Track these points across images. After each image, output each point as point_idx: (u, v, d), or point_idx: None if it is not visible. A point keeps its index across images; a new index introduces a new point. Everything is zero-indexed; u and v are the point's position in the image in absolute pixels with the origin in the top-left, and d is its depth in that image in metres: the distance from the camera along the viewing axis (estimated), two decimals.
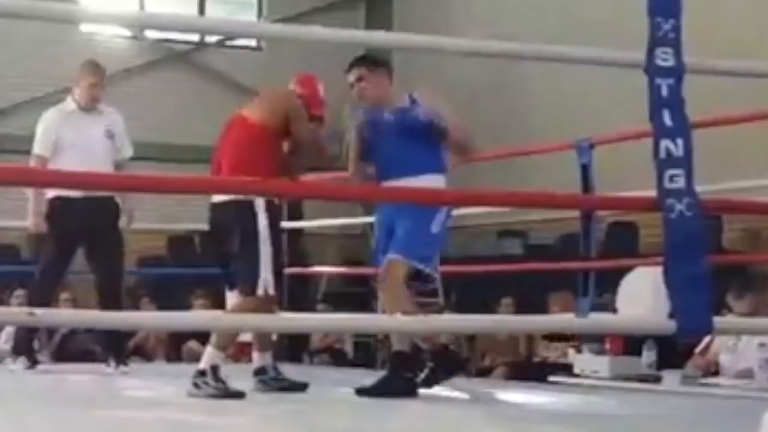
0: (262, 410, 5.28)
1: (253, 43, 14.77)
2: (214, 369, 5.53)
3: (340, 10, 15.04)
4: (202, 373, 5.53)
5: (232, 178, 5.59)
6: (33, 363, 7.41)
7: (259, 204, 5.58)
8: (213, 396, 5.45)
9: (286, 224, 9.41)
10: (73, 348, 10.06)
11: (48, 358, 9.93)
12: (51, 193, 7.12)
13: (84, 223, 7.07)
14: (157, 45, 14.44)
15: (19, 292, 10.34)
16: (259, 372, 5.98)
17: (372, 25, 14.92)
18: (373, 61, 6.04)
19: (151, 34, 14.10)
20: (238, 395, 5.53)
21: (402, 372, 5.74)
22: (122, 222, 7.33)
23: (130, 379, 6.97)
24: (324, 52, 13.73)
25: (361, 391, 5.69)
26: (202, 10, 14.78)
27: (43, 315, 3.67)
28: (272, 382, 5.94)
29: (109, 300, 7.13)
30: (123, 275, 7.52)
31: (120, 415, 4.98)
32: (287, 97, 6.04)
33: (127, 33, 14.22)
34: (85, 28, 13.85)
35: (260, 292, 5.56)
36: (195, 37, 14.52)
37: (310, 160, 6.03)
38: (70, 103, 7.34)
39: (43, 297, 7.15)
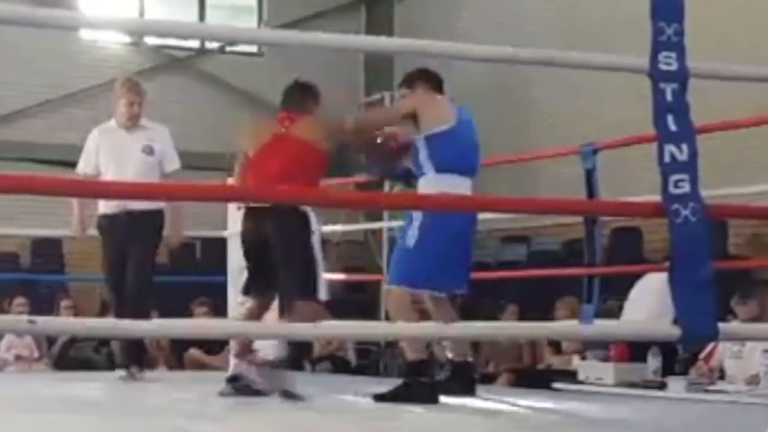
0: (264, 416, 5.25)
1: (254, 49, 14.74)
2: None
3: (341, 15, 15.02)
4: (235, 378, 5.85)
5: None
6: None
7: (310, 212, 5.72)
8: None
9: None
10: (73, 356, 10.03)
11: (49, 367, 9.92)
12: (99, 210, 7.37)
13: (126, 238, 7.24)
14: (158, 51, 14.42)
15: (20, 300, 10.33)
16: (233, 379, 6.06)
17: (373, 30, 14.89)
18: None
19: (152, 40, 14.07)
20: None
21: (420, 379, 5.73)
22: (165, 231, 7.46)
23: (147, 386, 6.96)
24: (326, 57, 13.73)
25: (379, 397, 5.68)
26: (202, 16, 14.76)
27: (44, 323, 3.62)
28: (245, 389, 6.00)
29: (129, 307, 7.14)
30: (147, 285, 7.51)
31: (138, 423, 4.95)
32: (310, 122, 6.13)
33: (127, 39, 14.19)
34: (85, 35, 13.82)
35: (322, 296, 5.72)
36: (195, 44, 14.49)
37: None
38: (111, 121, 7.51)
39: (114, 309, 7.38)
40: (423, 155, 5.85)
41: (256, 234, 5.87)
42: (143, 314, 7.43)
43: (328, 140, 5.93)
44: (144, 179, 7.15)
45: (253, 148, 6.05)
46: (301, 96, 6.15)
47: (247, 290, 6.08)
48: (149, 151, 7.39)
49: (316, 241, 5.78)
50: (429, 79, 6.14)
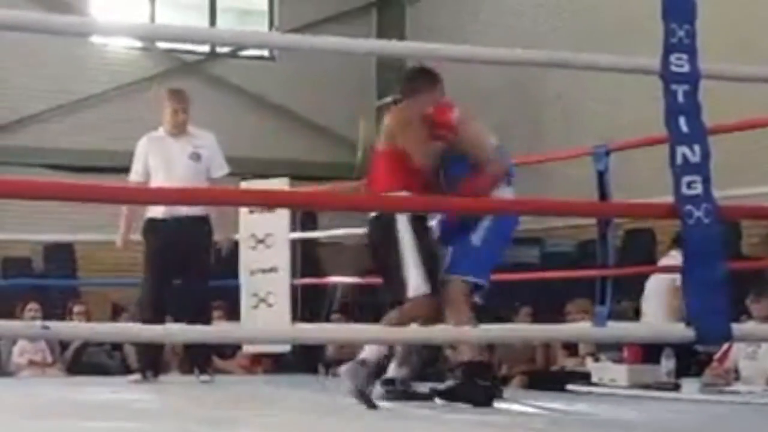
0: (283, 419, 5.24)
1: (266, 53, 14.75)
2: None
3: (352, 18, 15.02)
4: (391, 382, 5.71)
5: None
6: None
7: (400, 217, 5.59)
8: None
9: (298, 235, 9.43)
10: (86, 361, 10.04)
11: (62, 371, 9.93)
12: (147, 214, 7.55)
13: (172, 243, 7.40)
14: (169, 56, 14.44)
15: (32, 305, 10.34)
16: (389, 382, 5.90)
17: (384, 33, 14.90)
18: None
19: (163, 44, 14.08)
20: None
21: (478, 380, 5.71)
22: (217, 236, 7.66)
23: (160, 390, 6.97)
24: (338, 61, 13.75)
25: (440, 394, 5.69)
26: (213, 20, 14.77)
27: (57, 328, 3.64)
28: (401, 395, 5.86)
29: (194, 316, 7.26)
30: (204, 294, 7.74)
31: (152, 427, 4.95)
32: (395, 113, 5.94)
33: (139, 44, 14.21)
34: (96, 39, 13.84)
35: (411, 293, 5.54)
36: (207, 48, 14.50)
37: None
38: (160, 130, 7.70)
39: (146, 315, 7.40)
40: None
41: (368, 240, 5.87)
42: (209, 318, 7.82)
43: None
44: (192, 185, 7.30)
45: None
46: (407, 82, 5.98)
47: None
48: (196, 157, 7.57)
49: (405, 240, 5.58)
50: (435, 80, 5.93)
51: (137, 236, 7.70)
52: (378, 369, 5.66)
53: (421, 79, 5.88)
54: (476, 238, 5.73)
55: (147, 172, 7.55)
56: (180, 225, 7.36)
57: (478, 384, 5.69)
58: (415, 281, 5.53)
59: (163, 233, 7.43)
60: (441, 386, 5.81)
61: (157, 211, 7.40)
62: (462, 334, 4.67)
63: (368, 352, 5.56)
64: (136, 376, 7.52)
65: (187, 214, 7.32)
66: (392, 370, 5.96)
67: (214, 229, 7.65)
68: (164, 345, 7.85)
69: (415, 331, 4.93)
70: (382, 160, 5.76)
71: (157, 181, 7.46)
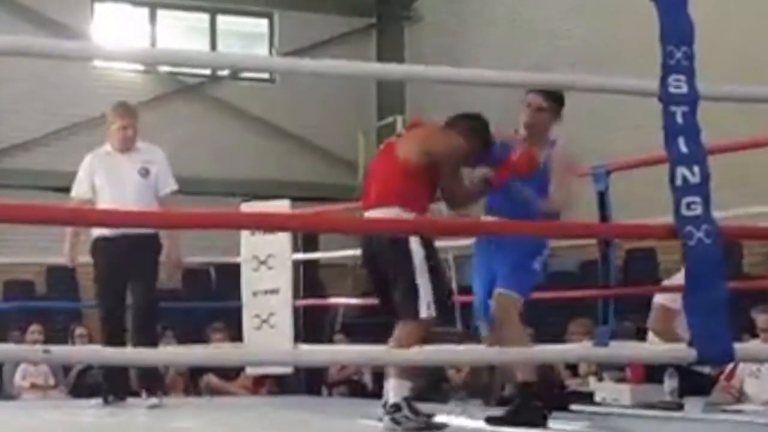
0: None
1: (265, 75, 14.79)
2: (408, 401, 5.32)
3: (352, 40, 15.08)
4: (397, 408, 5.30)
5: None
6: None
7: (413, 237, 5.42)
8: (416, 430, 5.26)
9: (300, 256, 9.43)
10: (89, 383, 10.03)
11: (64, 394, 9.93)
12: (94, 233, 7.28)
13: (123, 261, 7.14)
14: (170, 78, 14.48)
15: (35, 327, 10.35)
16: (390, 410, 5.43)
17: (384, 54, 14.94)
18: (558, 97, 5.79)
19: (164, 67, 14.13)
20: (440, 427, 5.39)
21: (533, 401, 5.64)
22: (162, 257, 7.37)
23: (162, 413, 6.95)
24: (338, 82, 13.78)
25: (492, 420, 5.61)
26: (213, 42, 14.82)
27: (59, 352, 3.64)
28: (406, 421, 5.41)
29: (141, 335, 7.10)
30: (155, 311, 7.49)
31: None
32: (433, 135, 5.71)
33: (140, 67, 14.26)
34: (98, 62, 13.89)
35: (423, 315, 5.40)
36: (207, 70, 14.54)
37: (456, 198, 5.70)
38: (107, 145, 7.44)
39: (105, 336, 7.25)
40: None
41: (369, 257, 5.67)
42: (155, 339, 7.46)
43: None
44: (141, 201, 7.10)
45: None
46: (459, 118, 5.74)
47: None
48: (145, 172, 7.29)
49: (418, 259, 5.42)
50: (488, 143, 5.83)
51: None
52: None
53: (478, 136, 5.68)
54: (537, 264, 5.71)
55: (91, 189, 7.29)
56: (128, 243, 7.05)
57: (532, 405, 5.60)
58: (426, 303, 5.39)
59: (112, 252, 7.15)
60: (497, 413, 5.69)
61: (104, 230, 7.10)
62: (461, 356, 4.66)
63: (396, 393, 5.32)
64: (97, 401, 7.26)
65: (137, 233, 6.94)
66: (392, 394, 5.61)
67: (164, 248, 7.34)
68: (128, 368, 7.34)
69: (408, 353, 4.90)
70: (411, 173, 5.49)
71: (104, 200, 7.21)
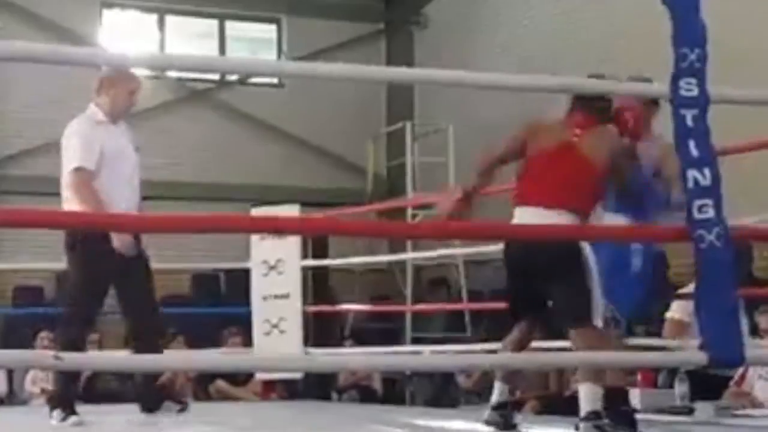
0: None
1: (274, 80, 14.79)
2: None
3: (361, 44, 15.07)
4: (596, 415, 5.10)
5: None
6: (70, 413, 6.36)
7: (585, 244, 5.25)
8: None
9: (311, 262, 9.44)
10: (98, 389, 10.05)
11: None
12: None
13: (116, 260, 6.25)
14: (178, 83, 14.49)
15: (44, 334, 10.36)
16: (590, 417, 5.18)
17: (393, 59, 14.94)
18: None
19: (172, 73, 14.14)
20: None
21: (621, 406, 5.53)
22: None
23: (171, 419, 6.93)
24: (346, 86, 13.79)
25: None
26: (222, 47, 14.84)
27: (70, 359, 3.65)
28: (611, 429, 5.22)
29: (146, 341, 6.38)
30: (157, 311, 6.83)
31: None
32: (612, 138, 5.48)
33: (148, 72, 14.26)
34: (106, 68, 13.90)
35: (597, 321, 5.23)
36: (216, 75, 14.55)
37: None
38: (96, 113, 6.50)
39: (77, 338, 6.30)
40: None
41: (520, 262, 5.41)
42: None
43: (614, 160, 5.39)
44: (137, 182, 6.45)
45: (534, 149, 5.44)
46: (598, 102, 5.42)
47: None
48: (136, 149, 6.57)
49: (588, 259, 5.25)
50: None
51: None
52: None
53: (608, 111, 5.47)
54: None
55: (99, 161, 6.28)
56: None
57: (621, 411, 5.48)
58: (597, 311, 5.21)
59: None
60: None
61: None
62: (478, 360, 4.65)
63: (591, 404, 5.13)
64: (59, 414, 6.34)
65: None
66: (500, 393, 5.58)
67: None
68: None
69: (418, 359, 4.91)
70: (584, 174, 5.34)
71: (118, 173, 6.33)
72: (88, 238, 6.18)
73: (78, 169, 6.29)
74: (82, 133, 6.40)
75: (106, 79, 6.53)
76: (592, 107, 5.35)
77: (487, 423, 5.52)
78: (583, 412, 5.10)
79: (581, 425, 5.11)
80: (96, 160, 6.28)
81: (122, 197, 6.30)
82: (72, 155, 6.36)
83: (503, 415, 5.53)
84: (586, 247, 5.21)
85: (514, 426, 5.57)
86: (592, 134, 5.37)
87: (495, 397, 5.55)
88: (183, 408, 6.67)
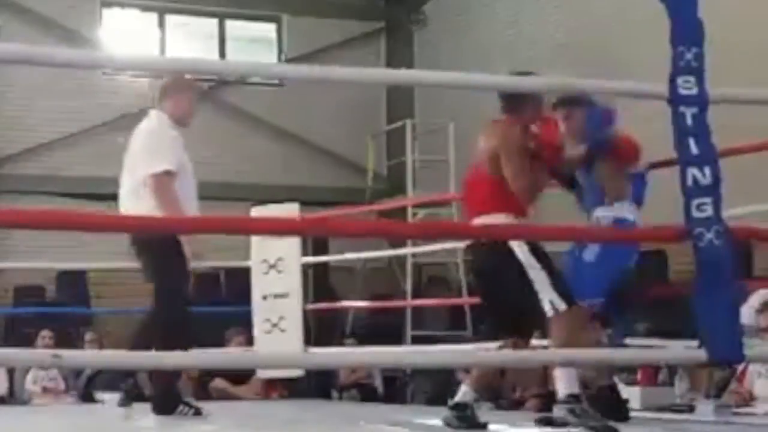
0: None
1: (275, 79, 14.79)
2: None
3: (361, 43, 15.07)
4: (575, 398, 5.12)
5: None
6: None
7: (514, 243, 5.27)
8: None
9: (310, 259, 9.44)
10: (100, 387, 10.04)
11: (75, 398, 9.95)
12: None
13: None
14: None
15: (45, 332, 10.37)
16: (568, 400, 5.22)
17: (393, 57, 14.94)
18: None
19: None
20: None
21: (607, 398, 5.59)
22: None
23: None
24: (346, 87, 13.78)
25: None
26: (222, 47, 14.83)
27: (69, 357, 3.65)
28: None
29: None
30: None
31: None
32: (501, 132, 5.47)
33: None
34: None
35: (550, 313, 5.21)
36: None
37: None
38: (165, 119, 6.41)
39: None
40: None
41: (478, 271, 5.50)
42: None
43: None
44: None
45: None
46: (513, 101, 5.38)
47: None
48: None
49: (526, 259, 5.26)
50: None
51: None
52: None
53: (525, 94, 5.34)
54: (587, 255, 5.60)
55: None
56: None
57: (603, 395, 5.57)
58: (550, 302, 5.21)
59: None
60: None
61: None
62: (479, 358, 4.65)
63: (567, 387, 5.16)
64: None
65: None
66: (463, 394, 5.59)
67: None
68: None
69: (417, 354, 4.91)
70: (483, 181, 5.41)
71: (191, 180, 6.35)
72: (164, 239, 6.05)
73: (163, 172, 6.13)
74: (167, 136, 6.25)
75: (170, 86, 6.43)
76: (507, 106, 5.39)
77: (444, 422, 5.49)
78: (560, 395, 5.14)
79: (558, 408, 5.16)
80: (177, 164, 6.17)
81: (192, 206, 6.21)
82: (154, 156, 6.18)
83: (460, 417, 5.45)
84: (520, 248, 5.21)
85: (483, 425, 5.52)
86: (487, 132, 5.47)
87: (457, 397, 5.53)
88: (197, 412, 6.52)
